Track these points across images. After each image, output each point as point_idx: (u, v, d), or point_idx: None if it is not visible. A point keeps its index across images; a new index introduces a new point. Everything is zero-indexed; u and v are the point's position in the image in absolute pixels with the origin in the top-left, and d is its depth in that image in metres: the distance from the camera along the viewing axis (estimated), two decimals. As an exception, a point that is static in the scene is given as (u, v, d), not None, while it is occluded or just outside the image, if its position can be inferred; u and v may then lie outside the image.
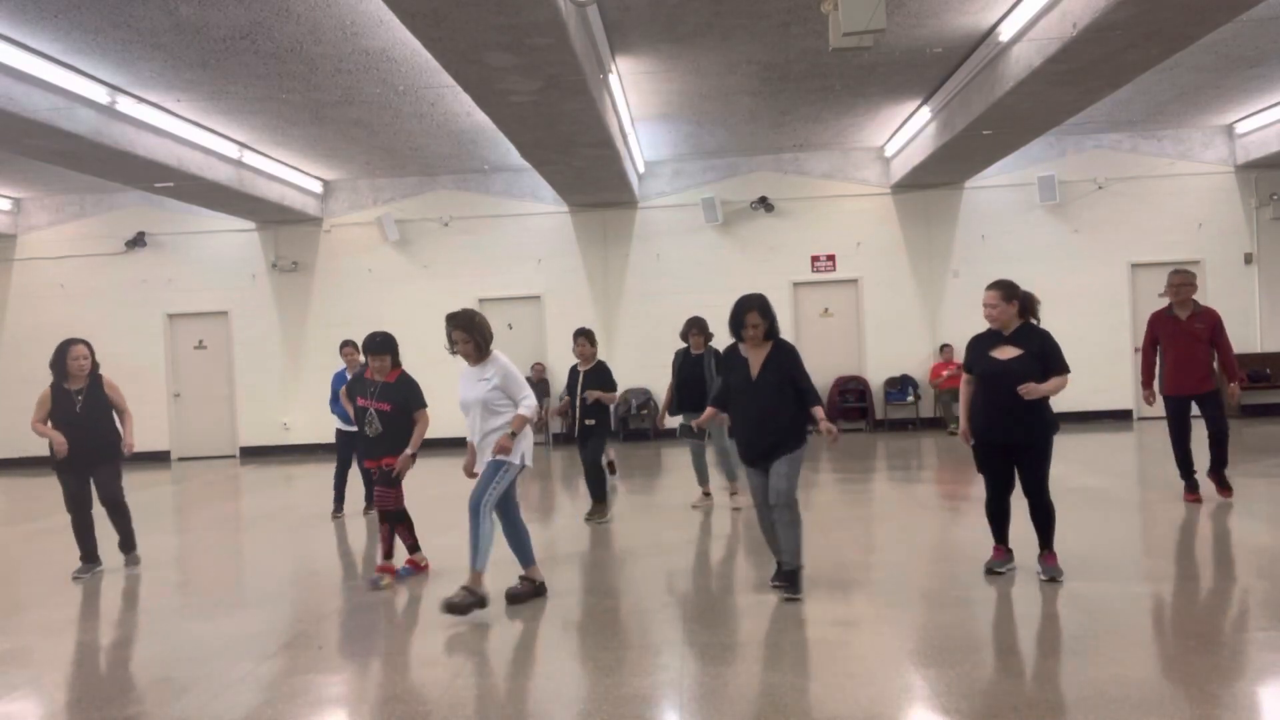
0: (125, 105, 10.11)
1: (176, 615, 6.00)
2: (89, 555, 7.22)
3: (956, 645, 4.67)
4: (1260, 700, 3.91)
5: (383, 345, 6.57)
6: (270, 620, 5.76)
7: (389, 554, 6.72)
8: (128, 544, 7.47)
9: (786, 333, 14.47)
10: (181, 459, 15.80)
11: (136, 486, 12.88)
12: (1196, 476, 7.98)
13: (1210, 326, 7.75)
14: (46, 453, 7.03)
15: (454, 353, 5.75)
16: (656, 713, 4.06)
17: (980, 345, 5.83)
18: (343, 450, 9.24)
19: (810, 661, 4.52)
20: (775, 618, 5.28)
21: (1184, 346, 7.76)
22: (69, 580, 7.03)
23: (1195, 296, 7.92)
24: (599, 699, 4.19)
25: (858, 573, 6.25)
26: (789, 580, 5.58)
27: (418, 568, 6.83)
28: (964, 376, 5.99)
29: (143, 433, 15.40)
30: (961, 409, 5.97)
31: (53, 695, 4.61)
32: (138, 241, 15.66)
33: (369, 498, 9.46)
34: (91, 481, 7.21)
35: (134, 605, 6.29)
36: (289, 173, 14.09)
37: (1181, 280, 7.80)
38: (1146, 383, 7.98)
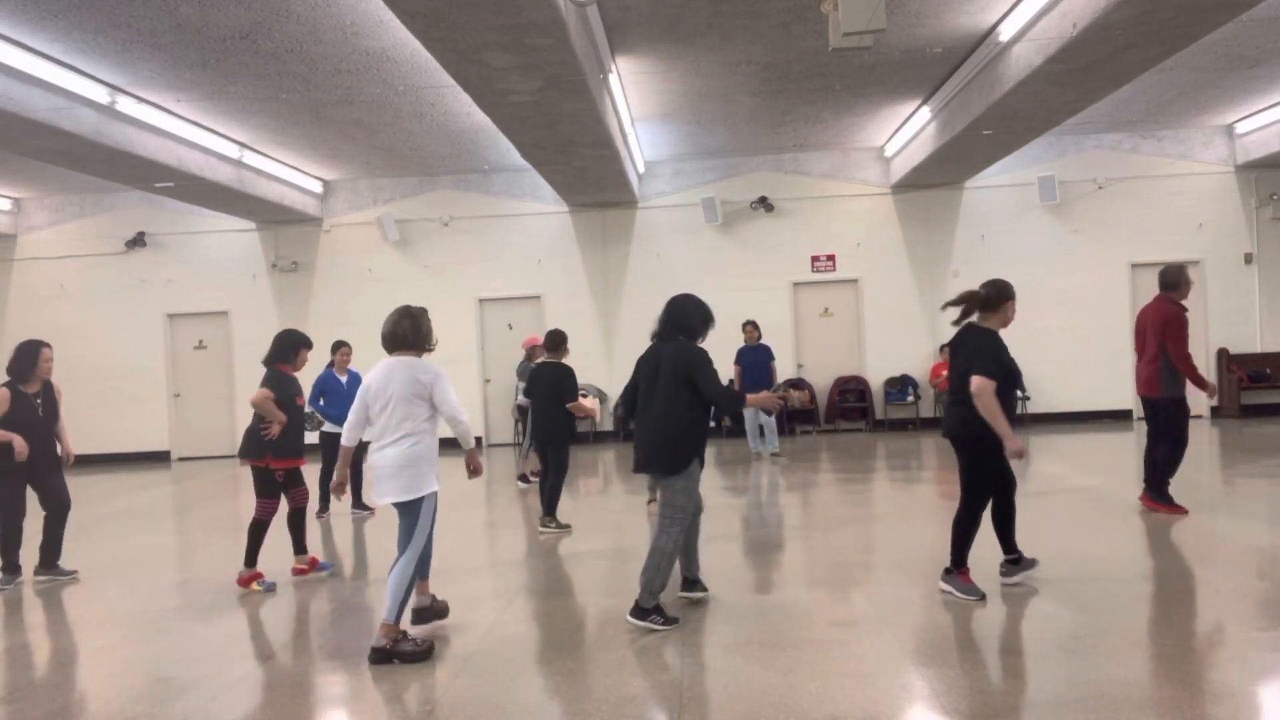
0: (125, 105, 10.11)
1: (176, 615, 6.00)
2: (11, 566, 7.00)
3: (956, 645, 4.68)
4: (1260, 700, 3.91)
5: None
6: (270, 620, 5.77)
7: (302, 547, 6.83)
8: (54, 555, 7.10)
9: (786, 332, 14.91)
10: (181, 459, 15.81)
11: (136, 487, 12.92)
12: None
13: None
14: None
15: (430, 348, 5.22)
16: (656, 713, 4.06)
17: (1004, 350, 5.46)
18: (328, 450, 9.18)
19: (810, 661, 4.51)
20: (775, 618, 5.28)
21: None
22: (64, 580, 7.02)
23: (1193, 296, 7.80)
24: (599, 699, 4.18)
25: (858, 573, 6.25)
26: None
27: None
28: (992, 385, 5.24)
29: (143, 433, 15.76)
30: (1003, 422, 5.27)
31: (52, 695, 4.61)
32: (138, 241, 15.67)
33: (355, 495, 9.46)
34: (32, 490, 7.00)
35: (133, 605, 6.29)
36: (289, 173, 14.09)
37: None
38: (1201, 381, 7.30)
